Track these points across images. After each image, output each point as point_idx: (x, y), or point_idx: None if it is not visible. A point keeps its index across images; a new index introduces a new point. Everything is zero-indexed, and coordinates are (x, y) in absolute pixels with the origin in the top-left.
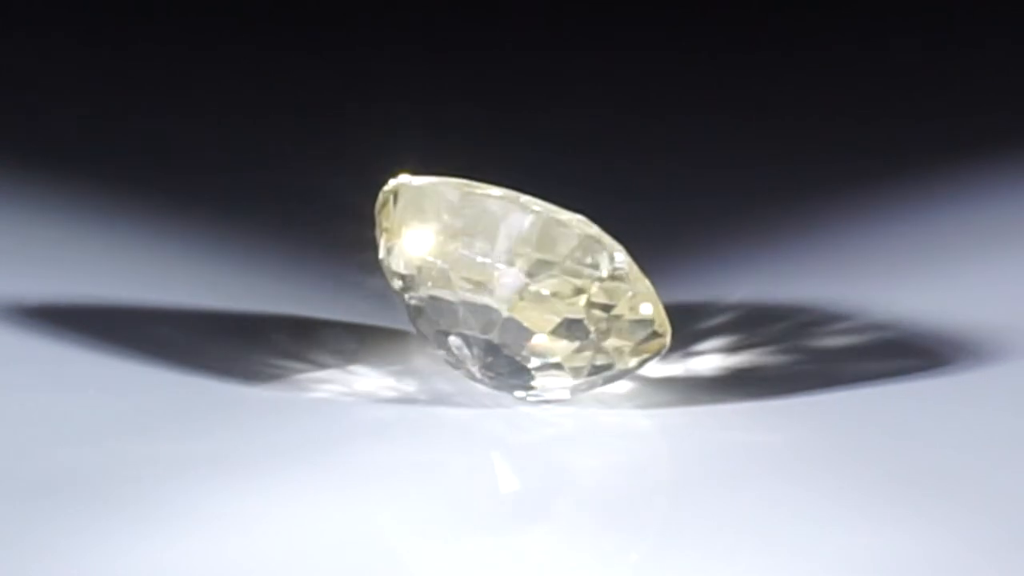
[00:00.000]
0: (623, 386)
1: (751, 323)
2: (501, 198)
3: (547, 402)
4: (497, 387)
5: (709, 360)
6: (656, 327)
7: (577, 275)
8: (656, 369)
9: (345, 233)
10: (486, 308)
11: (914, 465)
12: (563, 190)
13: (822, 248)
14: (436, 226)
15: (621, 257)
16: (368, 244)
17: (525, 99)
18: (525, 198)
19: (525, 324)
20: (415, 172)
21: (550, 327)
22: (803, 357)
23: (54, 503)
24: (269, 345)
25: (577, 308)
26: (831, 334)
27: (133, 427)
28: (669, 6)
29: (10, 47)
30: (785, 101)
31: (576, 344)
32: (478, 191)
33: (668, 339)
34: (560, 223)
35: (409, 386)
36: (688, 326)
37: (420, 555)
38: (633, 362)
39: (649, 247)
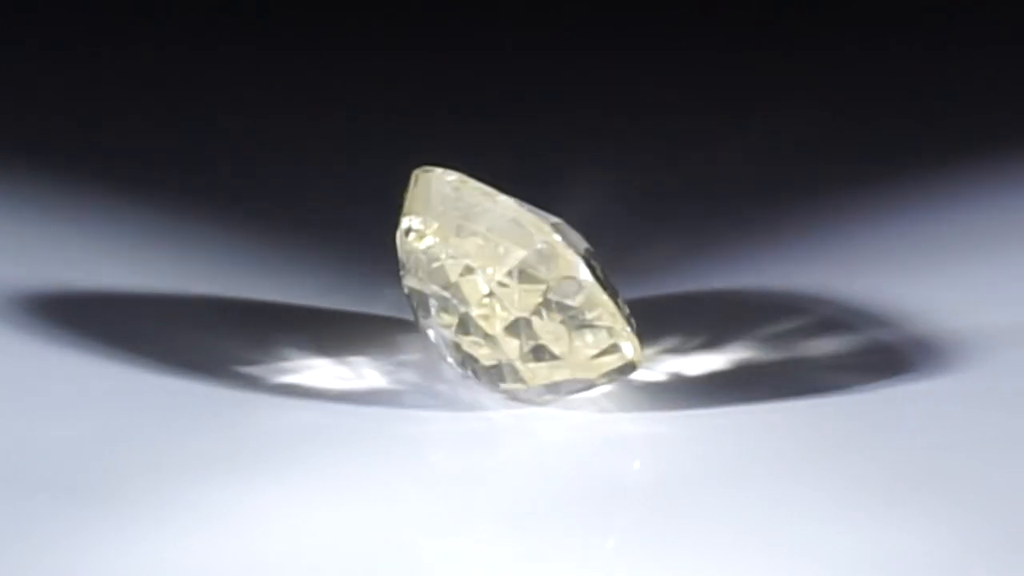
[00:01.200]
0: (613, 389)
1: (745, 323)
2: (485, 197)
3: (530, 403)
4: (479, 383)
5: (701, 362)
6: (616, 339)
7: (533, 279)
8: (646, 372)
9: (353, 228)
10: (452, 304)
11: (914, 465)
12: (560, 188)
13: (819, 248)
14: (428, 218)
15: (579, 265)
16: (374, 239)
17: (526, 99)
18: (504, 198)
19: (480, 323)
20: (444, 165)
21: (501, 327)
22: (799, 358)
23: (54, 503)
24: (268, 342)
25: (528, 310)
26: (827, 335)
27: (133, 427)
28: (669, 6)
29: (10, 46)
30: (781, 100)
31: (527, 347)
32: (471, 188)
33: (634, 353)
34: (526, 226)
35: (403, 383)
36: (678, 326)
37: (417, 554)
38: (594, 373)
39: (641, 247)
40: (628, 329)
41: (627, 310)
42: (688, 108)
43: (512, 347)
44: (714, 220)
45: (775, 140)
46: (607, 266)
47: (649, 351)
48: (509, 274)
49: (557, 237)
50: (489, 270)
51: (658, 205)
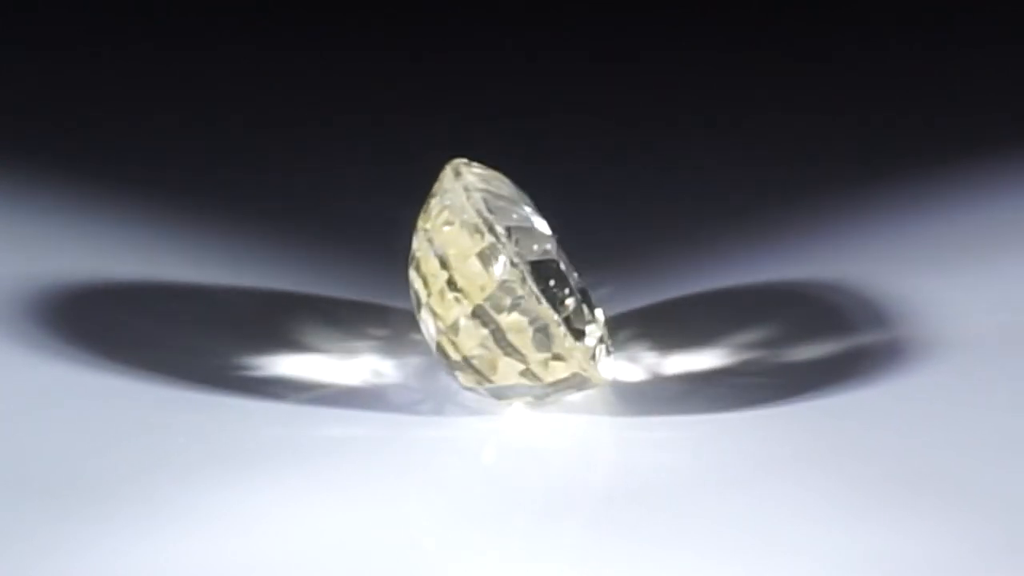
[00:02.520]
0: (604, 393)
1: (739, 325)
2: (462, 194)
3: (496, 403)
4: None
5: (692, 364)
6: (559, 350)
7: (473, 282)
8: (639, 375)
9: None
10: (417, 294)
11: (907, 466)
12: (558, 187)
13: (816, 249)
14: (427, 212)
15: (510, 269)
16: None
17: (526, 98)
18: (478, 195)
19: (438, 311)
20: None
21: (447, 326)
22: (793, 359)
23: (54, 504)
24: (268, 342)
25: (466, 314)
26: (821, 336)
27: (133, 428)
28: (669, 6)
29: (10, 47)
30: (780, 100)
31: (468, 348)
32: (465, 182)
33: (580, 365)
34: (480, 226)
35: (401, 380)
36: (671, 328)
37: (414, 555)
38: (541, 381)
39: (632, 248)
40: (571, 341)
41: (591, 323)
42: (688, 108)
43: (460, 346)
44: (711, 221)
45: (773, 140)
46: (596, 272)
47: (622, 361)
48: (456, 273)
49: (502, 242)
50: (442, 267)
51: (655, 206)
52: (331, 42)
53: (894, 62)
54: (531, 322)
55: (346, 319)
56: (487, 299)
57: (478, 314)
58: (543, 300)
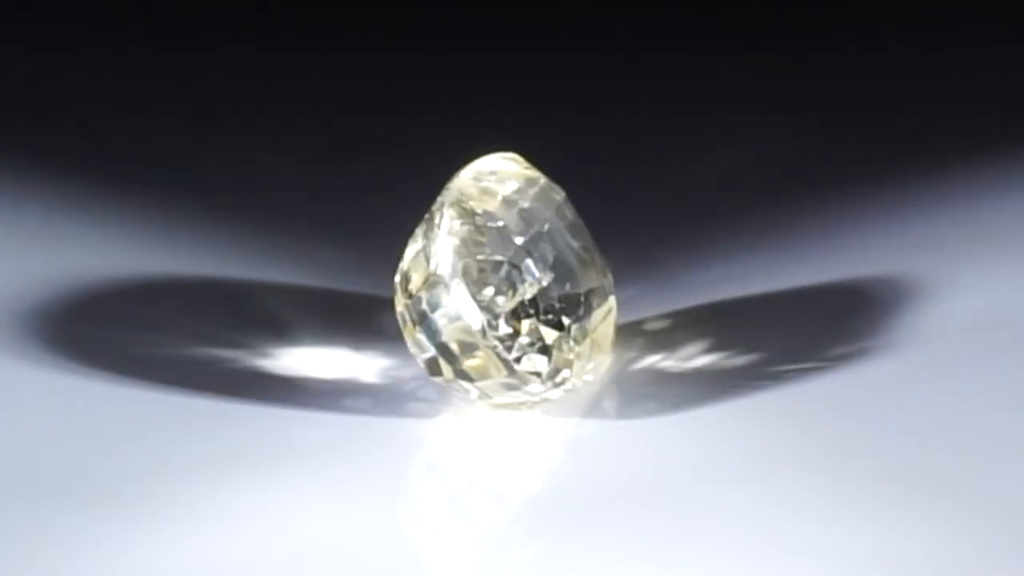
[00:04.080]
0: (597, 392)
1: (729, 323)
2: (448, 187)
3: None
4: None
5: (687, 363)
6: (483, 354)
7: (417, 275)
8: (628, 374)
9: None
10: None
11: (909, 465)
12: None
13: (814, 247)
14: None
15: (447, 263)
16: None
17: (525, 99)
18: (455, 189)
19: (397, 307)
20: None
21: (400, 307)
22: (789, 357)
23: (54, 503)
24: (267, 343)
25: (404, 303)
26: (817, 334)
27: (133, 427)
28: (669, 6)
29: (10, 47)
30: (781, 100)
31: (414, 338)
32: (463, 176)
33: (497, 371)
34: (441, 221)
35: (400, 381)
36: (664, 329)
37: (414, 555)
38: (483, 381)
39: (631, 247)
40: (496, 344)
41: (536, 335)
42: (688, 108)
43: (407, 335)
44: (706, 221)
45: (773, 141)
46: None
47: (620, 361)
48: (407, 266)
49: (447, 234)
50: (407, 255)
51: (653, 207)
52: (331, 42)
53: (894, 62)
54: (459, 317)
55: (348, 319)
56: (423, 293)
57: (429, 287)
58: (472, 302)
